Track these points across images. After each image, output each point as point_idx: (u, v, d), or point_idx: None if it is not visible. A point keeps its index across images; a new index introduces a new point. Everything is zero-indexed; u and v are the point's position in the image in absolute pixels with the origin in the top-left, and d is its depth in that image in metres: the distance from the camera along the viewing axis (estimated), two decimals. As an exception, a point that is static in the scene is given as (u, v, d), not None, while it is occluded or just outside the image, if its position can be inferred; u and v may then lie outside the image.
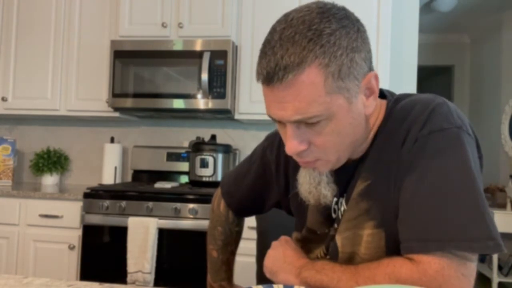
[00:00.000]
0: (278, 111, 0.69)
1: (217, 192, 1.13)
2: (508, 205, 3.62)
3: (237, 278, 2.19)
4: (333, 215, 0.85)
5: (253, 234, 1.39)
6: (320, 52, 0.64)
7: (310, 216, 0.89)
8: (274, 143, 0.98)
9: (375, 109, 0.78)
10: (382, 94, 0.83)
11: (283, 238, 0.89)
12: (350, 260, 0.78)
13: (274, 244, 0.88)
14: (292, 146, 0.70)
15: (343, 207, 0.81)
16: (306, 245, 0.91)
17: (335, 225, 0.83)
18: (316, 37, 0.64)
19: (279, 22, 0.69)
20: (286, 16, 0.69)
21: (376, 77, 0.73)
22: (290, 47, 0.65)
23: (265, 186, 1.01)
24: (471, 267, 0.66)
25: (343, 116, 0.69)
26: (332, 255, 0.81)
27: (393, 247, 0.72)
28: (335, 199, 0.84)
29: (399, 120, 0.75)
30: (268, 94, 0.69)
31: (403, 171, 0.72)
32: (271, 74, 0.66)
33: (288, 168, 0.95)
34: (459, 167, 0.69)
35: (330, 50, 0.65)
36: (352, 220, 0.78)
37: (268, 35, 0.69)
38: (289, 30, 0.66)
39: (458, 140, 0.70)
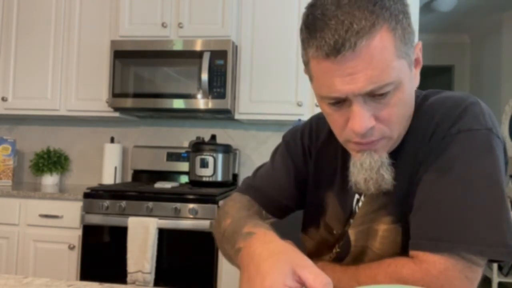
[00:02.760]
0: (345, 85, 0.63)
1: (231, 197, 0.95)
2: (508, 205, 3.61)
3: (237, 278, 2.20)
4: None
5: (253, 234, 1.39)
6: (387, 15, 0.62)
7: (330, 210, 0.86)
8: (296, 136, 0.95)
9: (412, 112, 0.76)
10: None
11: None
12: (362, 254, 0.77)
13: None
14: (363, 122, 0.65)
15: (360, 203, 0.80)
16: (319, 247, 0.88)
17: (350, 221, 0.81)
18: (379, 0, 0.62)
19: None
20: None
21: (421, 48, 0.72)
22: (357, 12, 0.61)
23: (293, 176, 0.93)
24: (477, 271, 0.65)
25: (407, 84, 0.67)
26: (343, 248, 0.79)
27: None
28: (357, 196, 0.82)
29: (428, 116, 0.73)
30: (332, 69, 0.63)
31: (425, 167, 0.70)
32: (340, 42, 0.61)
33: (311, 156, 0.91)
34: (484, 170, 0.66)
35: (393, 13, 0.63)
36: (368, 214, 0.76)
37: (316, 10, 0.64)
38: None
39: (487, 142, 0.68)
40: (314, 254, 0.88)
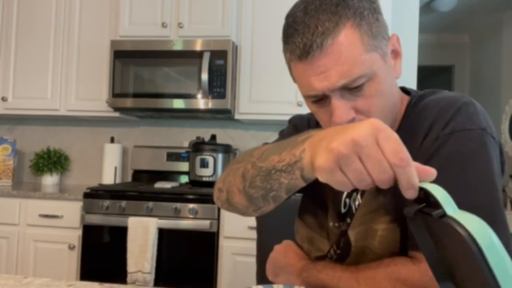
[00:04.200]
0: (320, 82, 0.68)
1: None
2: (508, 205, 3.62)
3: (237, 278, 2.20)
4: (342, 209, 0.83)
5: (253, 234, 1.39)
6: (350, 13, 0.67)
7: (325, 200, 0.87)
8: (303, 121, 0.96)
9: (397, 102, 0.78)
10: (406, 91, 0.83)
11: (285, 242, 0.89)
12: (363, 254, 0.77)
13: (276, 247, 0.88)
14: (342, 115, 0.68)
15: (357, 202, 0.80)
16: (312, 235, 0.88)
17: (348, 220, 0.81)
18: (341, 1, 0.67)
19: (296, 6, 0.71)
20: None
21: (398, 40, 0.75)
22: (321, 15, 0.66)
23: None
24: None
25: (383, 75, 0.70)
26: (343, 249, 0.80)
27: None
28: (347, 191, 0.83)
29: (422, 116, 0.74)
30: (306, 70, 0.69)
31: None
32: (308, 44, 0.66)
33: None
34: (478, 170, 0.67)
35: (358, 11, 0.67)
36: (367, 214, 0.76)
37: (289, 18, 0.71)
38: (312, 5, 0.68)
39: (481, 142, 0.68)
40: (307, 242, 0.88)
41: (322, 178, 0.54)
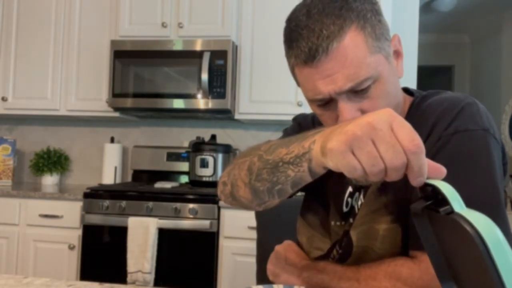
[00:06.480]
0: (327, 86, 0.68)
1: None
2: (508, 205, 3.61)
3: (237, 278, 2.20)
4: (344, 209, 0.84)
5: (253, 234, 1.39)
6: (354, 16, 0.67)
7: (327, 199, 0.88)
8: (307, 119, 0.96)
9: (400, 103, 0.78)
10: (409, 92, 0.83)
11: (286, 242, 0.89)
12: (364, 254, 0.77)
13: (277, 247, 0.88)
14: (349, 117, 0.67)
15: (360, 201, 0.80)
16: (313, 234, 0.89)
17: (350, 220, 0.82)
18: (345, 4, 0.67)
19: (297, 10, 0.71)
20: (303, 2, 0.71)
21: (399, 40, 0.75)
22: (325, 19, 0.66)
23: None
24: None
25: (387, 75, 0.70)
26: (345, 249, 0.79)
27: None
28: (350, 190, 0.83)
29: (425, 117, 0.74)
30: (312, 74, 0.68)
31: None
32: (314, 49, 0.66)
33: None
34: (480, 170, 0.67)
35: (361, 13, 0.68)
36: (369, 214, 0.76)
37: (291, 23, 0.70)
38: (315, 9, 0.67)
39: (483, 142, 0.68)
40: (307, 241, 0.88)
41: (333, 162, 0.53)
